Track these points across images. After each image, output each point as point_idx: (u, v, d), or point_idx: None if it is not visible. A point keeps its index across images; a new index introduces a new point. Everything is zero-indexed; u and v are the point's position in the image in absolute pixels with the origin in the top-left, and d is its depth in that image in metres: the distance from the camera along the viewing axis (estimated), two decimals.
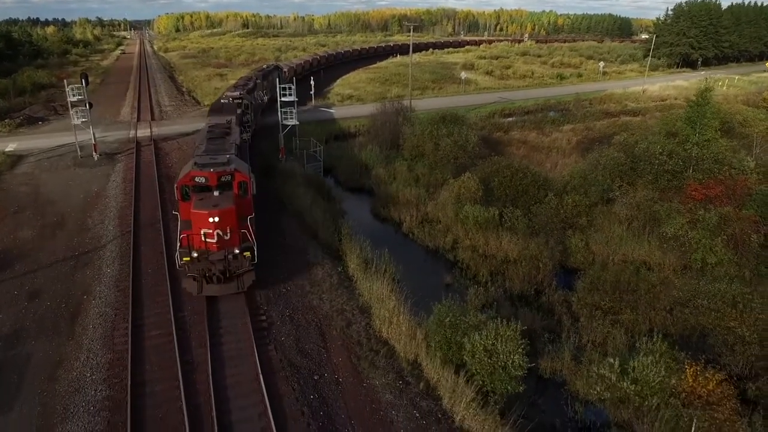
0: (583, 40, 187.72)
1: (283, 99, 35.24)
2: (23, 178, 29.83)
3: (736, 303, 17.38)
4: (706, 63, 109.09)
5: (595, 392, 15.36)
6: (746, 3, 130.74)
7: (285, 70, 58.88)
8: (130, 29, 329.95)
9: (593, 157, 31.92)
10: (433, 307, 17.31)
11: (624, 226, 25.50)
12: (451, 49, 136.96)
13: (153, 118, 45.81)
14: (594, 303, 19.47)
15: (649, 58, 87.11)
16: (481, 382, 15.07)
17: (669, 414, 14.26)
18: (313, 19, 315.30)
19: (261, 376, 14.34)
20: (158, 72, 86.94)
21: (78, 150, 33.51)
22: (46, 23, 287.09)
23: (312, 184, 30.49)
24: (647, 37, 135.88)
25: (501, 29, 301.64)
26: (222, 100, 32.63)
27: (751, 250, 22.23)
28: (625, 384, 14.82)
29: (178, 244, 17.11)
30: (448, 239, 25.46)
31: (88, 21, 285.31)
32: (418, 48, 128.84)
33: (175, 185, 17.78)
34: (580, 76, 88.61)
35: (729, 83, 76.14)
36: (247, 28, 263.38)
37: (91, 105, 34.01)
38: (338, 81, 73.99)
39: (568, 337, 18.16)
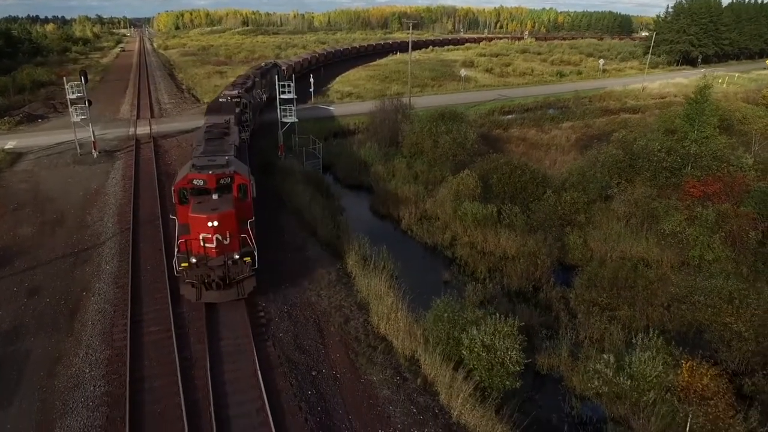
0: (583, 38, 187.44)
1: (282, 96, 35.26)
2: (23, 176, 29.89)
3: (732, 299, 17.47)
4: (707, 60, 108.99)
5: (592, 388, 15.45)
6: (747, 0, 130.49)
7: (284, 68, 58.81)
8: (130, 27, 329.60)
9: (592, 154, 32.00)
10: (432, 303, 17.38)
11: (622, 223, 25.54)
12: (451, 47, 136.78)
13: (152, 116, 45.84)
14: (591, 299, 19.55)
15: (649, 56, 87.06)
16: (478, 378, 15.14)
17: (665, 409, 14.34)
18: (312, 17, 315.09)
19: (259, 372, 14.40)
20: (158, 69, 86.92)
21: (77, 147, 33.56)
22: (46, 21, 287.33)
23: (311, 182, 30.53)
24: (647, 34, 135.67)
25: (501, 27, 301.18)
26: (220, 99, 32.25)
27: (748, 246, 22.28)
28: (621, 379, 14.91)
29: (176, 250, 16.53)
30: (447, 236, 25.52)
31: (87, 18, 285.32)
32: (418, 45, 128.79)
33: (173, 188, 17.36)
34: (579, 73, 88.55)
35: (729, 81, 76.07)
36: (247, 25, 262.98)
37: (90, 102, 34.06)
38: (338, 78, 73.95)
39: (566, 334, 18.19)
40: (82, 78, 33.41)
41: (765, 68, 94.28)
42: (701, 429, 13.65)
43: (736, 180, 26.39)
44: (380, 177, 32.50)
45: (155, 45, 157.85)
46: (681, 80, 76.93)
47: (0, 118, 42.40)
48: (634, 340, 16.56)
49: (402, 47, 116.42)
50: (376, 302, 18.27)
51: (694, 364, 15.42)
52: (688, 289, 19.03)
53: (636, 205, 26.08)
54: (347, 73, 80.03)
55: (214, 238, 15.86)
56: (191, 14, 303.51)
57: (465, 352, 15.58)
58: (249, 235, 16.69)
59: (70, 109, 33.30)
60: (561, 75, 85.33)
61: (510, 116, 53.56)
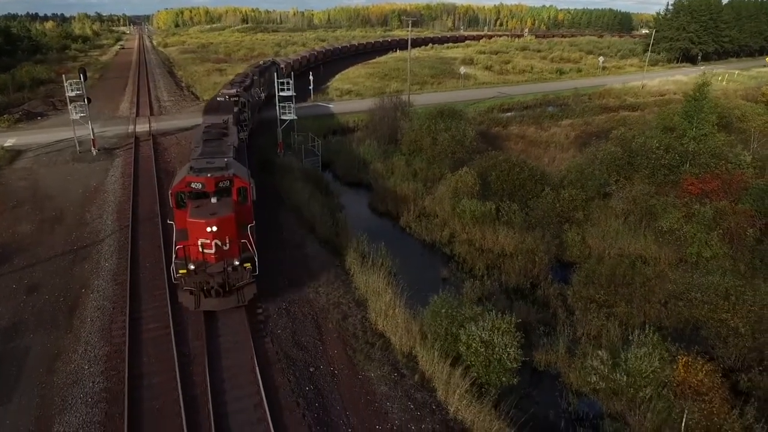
0: (582, 35, 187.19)
1: (281, 94, 35.23)
2: (22, 173, 29.93)
3: (728, 295, 17.52)
4: (706, 58, 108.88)
5: (589, 384, 15.51)
6: None
7: (282, 66, 58.70)
8: (130, 24, 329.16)
9: (590, 152, 32.01)
10: (429, 300, 17.42)
11: (620, 220, 25.56)
12: (450, 44, 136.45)
13: (152, 113, 45.88)
14: (589, 296, 19.61)
15: (649, 53, 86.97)
16: (475, 375, 15.21)
17: (661, 405, 14.41)
18: (312, 14, 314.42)
19: (257, 368, 14.47)
20: (157, 67, 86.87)
21: (77, 145, 33.60)
22: (45, 18, 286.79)
23: (310, 179, 30.58)
24: (647, 32, 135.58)
25: (501, 24, 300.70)
26: (218, 98, 31.54)
27: (746, 244, 22.33)
28: (618, 376, 14.98)
29: (174, 256, 16.02)
30: (445, 233, 25.55)
31: (87, 16, 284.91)
32: (418, 43, 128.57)
33: (170, 192, 16.86)
34: (579, 71, 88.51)
35: (729, 78, 76.04)
36: (247, 23, 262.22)
37: (89, 100, 34.08)
38: (337, 76, 73.92)
39: (563, 330, 18.26)
40: (82, 76, 33.39)
41: (765, 66, 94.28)
42: (697, 424, 13.71)
43: (734, 177, 26.43)
44: (379, 174, 32.53)
45: (155, 42, 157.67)
46: (681, 78, 76.89)
47: None
48: (631, 337, 16.63)
49: (402, 45, 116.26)
50: (374, 299, 18.34)
51: (690, 359, 15.49)
52: (685, 286, 19.08)
53: (634, 203, 26.12)
54: (347, 70, 79.97)
55: (213, 243, 15.39)
56: (191, 12, 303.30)
57: (462, 348, 15.65)
58: (249, 240, 16.18)
59: (70, 107, 33.35)
60: (561, 72, 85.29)
61: (509, 114, 53.55)
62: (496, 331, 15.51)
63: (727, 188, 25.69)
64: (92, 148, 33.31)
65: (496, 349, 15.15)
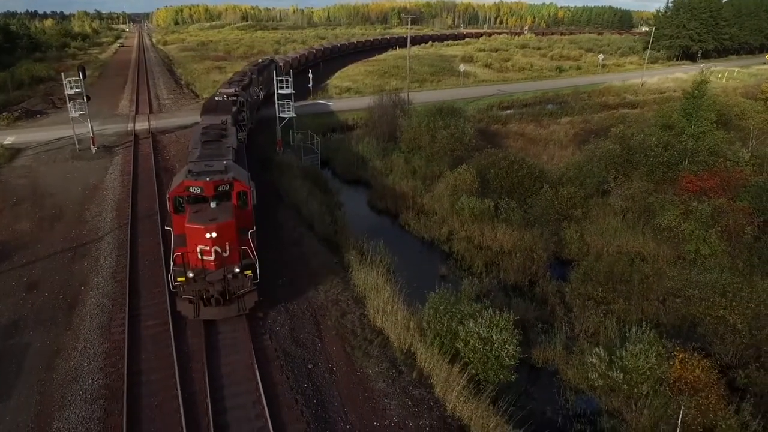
0: (582, 33, 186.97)
1: (280, 92, 35.22)
2: (21, 171, 29.96)
3: (726, 292, 17.56)
4: (706, 55, 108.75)
5: (587, 381, 15.57)
6: None
7: (281, 64, 58.63)
8: (129, 22, 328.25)
9: (589, 149, 32.01)
10: (428, 297, 17.46)
11: (619, 217, 25.63)
12: (450, 42, 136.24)
13: (151, 111, 45.86)
14: (587, 293, 19.66)
15: (648, 51, 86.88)
16: (473, 371, 15.26)
17: (658, 401, 14.48)
18: (312, 12, 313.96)
19: (256, 365, 14.53)
20: (157, 65, 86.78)
21: (76, 143, 33.60)
22: (45, 16, 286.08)
23: (309, 177, 30.62)
24: (647, 29, 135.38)
25: (501, 22, 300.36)
26: (216, 98, 30.86)
27: (744, 241, 22.38)
28: (614, 372, 15.03)
29: (172, 263, 15.47)
30: (444, 231, 25.58)
31: (86, 14, 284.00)
32: (417, 41, 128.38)
33: (167, 196, 16.32)
34: (579, 68, 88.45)
35: (728, 76, 76.01)
36: (246, 20, 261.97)
37: (89, 98, 34.05)
38: (337, 74, 73.92)
39: (561, 327, 18.35)
40: (81, 73, 33.37)
41: (765, 63, 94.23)
42: (693, 420, 13.77)
43: (733, 175, 26.46)
44: (378, 172, 32.57)
45: (154, 40, 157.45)
46: (680, 75, 76.87)
47: None
48: (628, 334, 16.69)
49: (401, 42, 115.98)
50: (373, 296, 18.37)
51: (686, 356, 15.55)
52: (683, 283, 19.13)
53: (633, 200, 26.18)
54: (346, 68, 79.97)
55: (212, 250, 14.88)
56: (190, 9, 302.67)
57: (460, 345, 15.70)
58: (250, 246, 15.63)
59: (69, 105, 33.31)
60: (560, 70, 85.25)
61: (509, 111, 53.59)
62: (494, 327, 15.55)
63: (725, 186, 25.72)
64: (92, 146, 33.32)
65: (495, 345, 15.19)
